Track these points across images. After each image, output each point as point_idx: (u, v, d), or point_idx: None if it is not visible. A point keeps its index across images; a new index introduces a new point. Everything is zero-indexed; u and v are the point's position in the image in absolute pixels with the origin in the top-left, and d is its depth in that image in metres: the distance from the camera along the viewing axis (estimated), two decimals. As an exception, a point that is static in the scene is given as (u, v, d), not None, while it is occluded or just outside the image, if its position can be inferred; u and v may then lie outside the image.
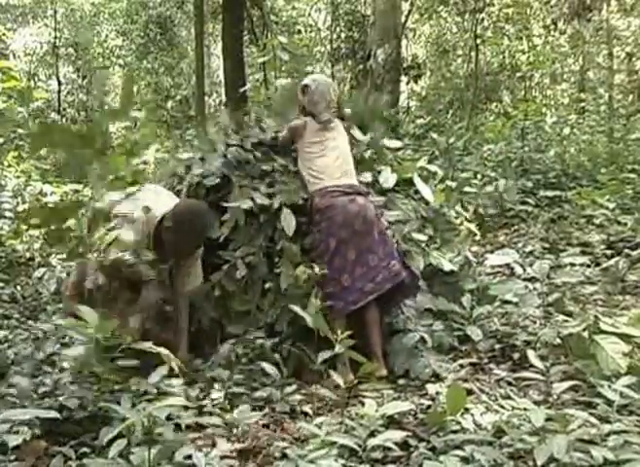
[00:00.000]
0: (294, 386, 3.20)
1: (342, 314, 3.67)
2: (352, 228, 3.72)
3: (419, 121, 13.93)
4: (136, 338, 3.42)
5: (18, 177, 7.96)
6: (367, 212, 3.79)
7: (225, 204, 3.87)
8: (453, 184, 5.83)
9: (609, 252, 5.92)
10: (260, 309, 3.75)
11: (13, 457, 2.45)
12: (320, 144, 4.00)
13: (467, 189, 7.63)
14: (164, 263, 3.60)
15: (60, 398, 2.80)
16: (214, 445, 2.61)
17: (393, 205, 4.25)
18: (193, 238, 3.54)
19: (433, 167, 4.90)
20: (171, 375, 2.86)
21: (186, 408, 2.73)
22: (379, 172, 4.39)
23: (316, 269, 3.59)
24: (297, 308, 3.30)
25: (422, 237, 4.12)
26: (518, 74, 16.26)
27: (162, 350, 2.83)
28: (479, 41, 15.11)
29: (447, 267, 4.08)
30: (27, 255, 6.21)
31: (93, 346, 2.90)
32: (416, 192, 4.46)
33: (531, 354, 3.30)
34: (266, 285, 3.72)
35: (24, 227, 6.67)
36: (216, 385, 3.00)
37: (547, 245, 6.35)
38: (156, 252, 3.48)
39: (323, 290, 3.68)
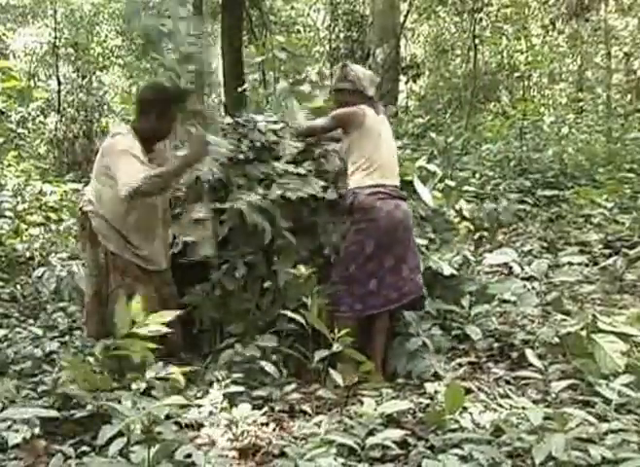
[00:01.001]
0: (293, 385, 3.21)
1: (357, 317, 3.60)
2: (394, 235, 3.60)
3: (418, 120, 13.94)
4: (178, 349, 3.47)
5: (18, 176, 7.96)
6: (408, 221, 3.70)
7: (219, 206, 3.84)
8: (452, 183, 5.85)
9: (607, 251, 5.94)
10: (259, 309, 3.75)
11: (12, 456, 2.46)
12: (378, 137, 3.73)
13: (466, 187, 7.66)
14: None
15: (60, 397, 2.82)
16: (213, 443, 2.62)
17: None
18: (164, 102, 3.48)
19: (432, 167, 4.91)
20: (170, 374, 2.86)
21: (185, 406, 2.74)
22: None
23: (302, 269, 3.50)
24: (289, 313, 3.31)
25: (422, 241, 4.12)
26: (517, 74, 16.27)
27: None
28: (477, 41, 15.12)
29: (447, 271, 4.08)
30: (27, 254, 6.20)
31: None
32: (415, 191, 4.46)
33: (529, 353, 3.31)
34: (265, 284, 3.72)
35: (24, 226, 6.69)
36: (215, 384, 3.00)
37: (545, 244, 6.37)
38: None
39: (346, 288, 3.60)
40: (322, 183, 3.87)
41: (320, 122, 3.94)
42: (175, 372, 2.79)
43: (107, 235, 3.42)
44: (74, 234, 6.80)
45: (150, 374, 2.72)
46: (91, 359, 3.03)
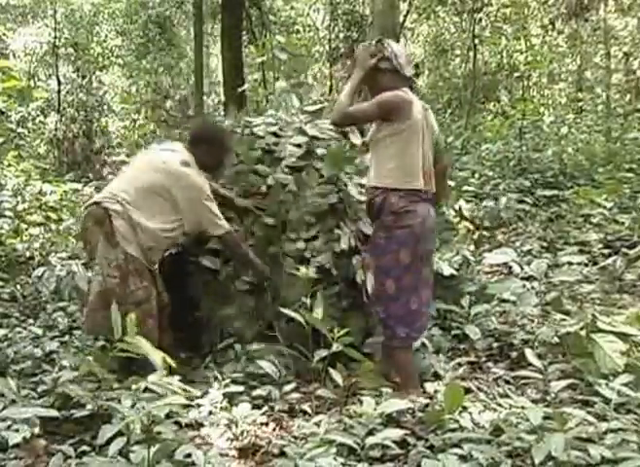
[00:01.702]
0: (293, 385, 3.21)
1: (406, 344, 3.23)
2: (428, 243, 3.21)
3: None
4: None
5: (18, 176, 7.96)
6: (435, 225, 3.31)
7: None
8: (452, 183, 5.85)
9: (606, 251, 5.93)
10: (259, 308, 3.75)
11: (12, 455, 2.47)
12: (421, 131, 3.20)
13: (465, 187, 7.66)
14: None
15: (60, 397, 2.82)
16: (213, 443, 2.62)
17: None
18: (229, 143, 3.79)
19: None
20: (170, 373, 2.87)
21: (185, 406, 2.74)
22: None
23: (303, 270, 3.47)
24: (288, 311, 3.31)
25: None
26: (516, 74, 16.26)
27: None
28: (477, 41, 15.15)
29: (447, 271, 4.08)
30: (27, 254, 6.20)
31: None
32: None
33: (529, 353, 3.31)
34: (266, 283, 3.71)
35: (24, 225, 6.69)
36: (215, 384, 3.01)
37: (544, 244, 6.37)
38: None
39: (386, 312, 3.22)
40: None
41: (364, 107, 3.24)
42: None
43: (128, 238, 3.39)
44: (74, 234, 6.80)
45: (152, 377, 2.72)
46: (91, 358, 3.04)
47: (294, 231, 3.79)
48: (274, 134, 4.09)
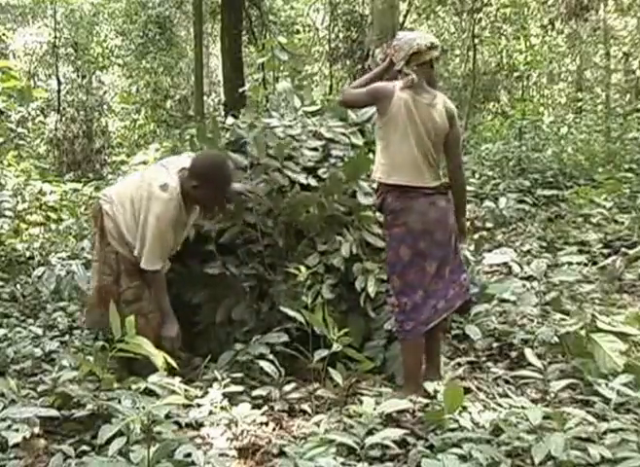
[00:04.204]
0: (293, 385, 3.21)
1: (413, 337, 3.22)
2: (432, 237, 3.17)
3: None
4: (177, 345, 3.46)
5: (18, 176, 7.96)
6: (448, 219, 3.23)
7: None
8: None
9: (606, 251, 5.94)
10: (259, 307, 3.75)
11: (12, 455, 2.47)
12: (405, 126, 3.14)
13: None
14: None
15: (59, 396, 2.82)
16: (213, 443, 2.62)
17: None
18: (227, 185, 3.47)
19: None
20: (170, 373, 2.87)
21: (185, 406, 2.74)
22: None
23: (302, 270, 3.48)
24: (287, 309, 3.32)
25: None
26: (516, 74, 16.29)
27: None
28: (476, 41, 15.16)
29: None
30: (27, 254, 6.21)
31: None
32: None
33: (529, 353, 3.31)
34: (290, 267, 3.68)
35: (24, 226, 6.70)
36: (215, 384, 3.01)
37: (544, 244, 6.37)
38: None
39: (395, 305, 3.26)
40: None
41: (358, 89, 3.31)
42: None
43: (117, 239, 3.43)
44: (74, 234, 6.81)
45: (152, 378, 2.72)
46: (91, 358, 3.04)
47: (310, 239, 3.81)
48: (293, 138, 4.05)
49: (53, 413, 2.60)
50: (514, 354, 3.78)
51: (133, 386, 2.71)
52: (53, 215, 7.39)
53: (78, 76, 18.40)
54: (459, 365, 3.53)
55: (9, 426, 2.46)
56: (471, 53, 15.69)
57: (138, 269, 3.41)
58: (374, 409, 2.70)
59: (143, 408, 2.34)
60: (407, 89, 3.15)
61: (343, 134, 4.13)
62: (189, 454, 2.29)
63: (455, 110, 3.32)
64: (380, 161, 3.23)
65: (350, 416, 2.76)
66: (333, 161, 3.99)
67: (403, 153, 3.16)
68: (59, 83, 17.76)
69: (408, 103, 3.14)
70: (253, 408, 2.85)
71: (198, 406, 2.84)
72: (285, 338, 3.44)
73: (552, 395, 3.05)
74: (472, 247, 5.05)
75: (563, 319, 3.84)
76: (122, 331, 2.64)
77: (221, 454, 2.45)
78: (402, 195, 3.17)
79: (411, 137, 3.15)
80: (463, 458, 2.30)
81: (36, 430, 2.57)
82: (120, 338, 2.63)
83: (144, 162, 6.86)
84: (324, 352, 3.14)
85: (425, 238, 3.17)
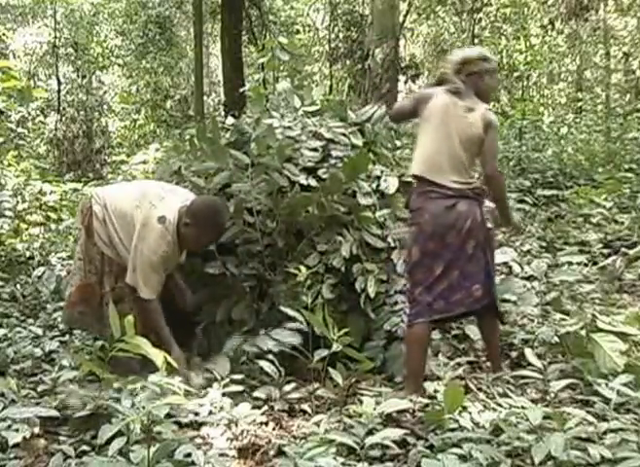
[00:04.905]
0: (293, 385, 3.21)
1: (411, 331, 3.29)
2: (442, 240, 3.20)
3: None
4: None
5: (18, 176, 7.96)
6: (465, 222, 3.20)
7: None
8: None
9: (606, 251, 5.94)
10: (259, 307, 3.76)
11: (12, 455, 2.47)
12: (437, 124, 3.30)
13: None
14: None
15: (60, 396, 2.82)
16: (213, 443, 2.62)
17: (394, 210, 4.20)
18: (215, 232, 3.51)
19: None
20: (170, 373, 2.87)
21: (185, 406, 2.74)
22: (382, 172, 4.32)
23: (302, 270, 3.48)
24: (287, 309, 3.32)
25: None
26: (516, 74, 16.24)
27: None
28: (476, 41, 15.14)
29: None
30: (27, 254, 6.21)
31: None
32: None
33: (529, 352, 3.31)
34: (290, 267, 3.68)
35: (24, 225, 6.70)
36: (215, 384, 3.01)
37: (544, 244, 6.37)
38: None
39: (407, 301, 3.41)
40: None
41: (401, 101, 3.62)
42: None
43: (104, 240, 3.45)
44: (74, 234, 6.81)
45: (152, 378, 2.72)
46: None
47: (310, 239, 3.81)
48: (293, 139, 4.06)
49: (53, 413, 2.60)
50: (514, 354, 3.78)
51: (132, 386, 2.71)
52: (53, 215, 7.39)
53: (78, 76, 18.40)
54: (459, 365, 3.53)
55: (9, 426, 2.46)
56: (471, 53, 15.64)
57: (123, 270, 3.42)
58: (374, 409, 2.70)
59: (143, 408, 2.34)
60: (450, 94, 3.30)
61: (343, 135, 4.15)
62: (189, 454, 2.29)
63: (494, 121, 3.34)
64: (413, 156, 3.39)
65: (350, 416, 2.76)
66: (333, 161, 3.99)
67: (427, 148, 3.30)
68: (59, 83, 17.77)
69: (445, 106, 3.29)
70: (253, 408, 2.85)
71: (199, 406, 2.84)
72: (299, 339, 3.39)
73: (552, 395, 3.05)
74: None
75: (563, 319, 3.84)
76: (107, 331, 2.63)
77: (221, 454, 2.45)
78: (423, 194, 3.26)
79: (440, 137, 3.27)
80: (463, 458, 2.30)
81: (36, 430, 2.57)
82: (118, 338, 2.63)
83: (144, 162, 6.87)
84: (324, 352, 3.14)
85: (435, 241, 3.22)
